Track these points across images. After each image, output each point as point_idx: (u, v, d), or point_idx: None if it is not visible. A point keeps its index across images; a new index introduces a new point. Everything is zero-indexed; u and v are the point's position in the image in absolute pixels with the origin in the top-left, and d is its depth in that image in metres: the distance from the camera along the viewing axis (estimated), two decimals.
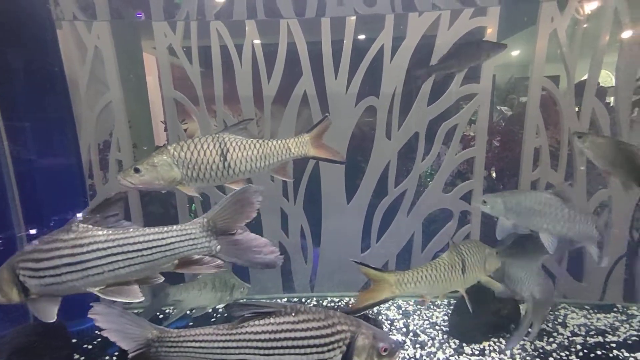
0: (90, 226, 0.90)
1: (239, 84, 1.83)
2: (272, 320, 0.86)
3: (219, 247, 0.93)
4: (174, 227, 0.92)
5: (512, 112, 2.52)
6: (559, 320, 1.80)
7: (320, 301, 2.02)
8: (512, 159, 2.06)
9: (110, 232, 0.90)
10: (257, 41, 1.79)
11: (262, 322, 0.86)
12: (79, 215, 0.92)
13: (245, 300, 1.93)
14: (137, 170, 1.12)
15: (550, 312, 1.83)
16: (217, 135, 1.19)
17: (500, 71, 1.79)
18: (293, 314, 0.86)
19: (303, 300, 2.05)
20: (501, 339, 1.62)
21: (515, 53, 2.53)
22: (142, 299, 0.91)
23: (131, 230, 0.91)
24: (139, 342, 0.87)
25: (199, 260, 0.96)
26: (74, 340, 1.59)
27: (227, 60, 1.82)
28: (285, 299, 2.05)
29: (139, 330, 0.87)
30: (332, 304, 1.97)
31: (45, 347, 1.39)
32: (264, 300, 1.10)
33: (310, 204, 2.04)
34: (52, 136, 1.75)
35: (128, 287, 0.92)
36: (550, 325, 1.74)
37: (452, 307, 1.78)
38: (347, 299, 2.03)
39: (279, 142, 1.26)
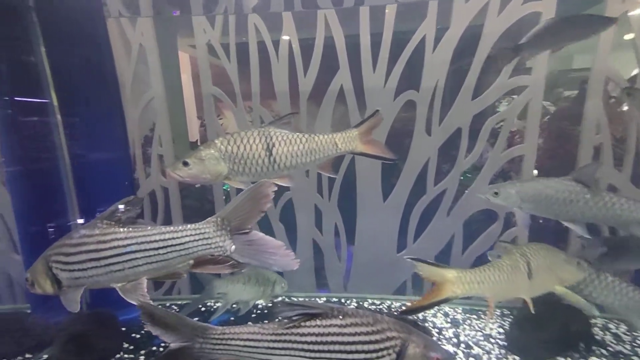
0: (114, 223, 0.92)
1: (275, 80, 1.82)
2: (319, 322, 0.83)
3: (233, 247, 0.92)
4: (189, 226, 0.92)
5: (555, 107, 2.32)
6: None
7: (360, 302, 1.97)
8: (562, 157, 1.89)
9: (131, 229, 0.92)
10: (290, 37, 1.77)
11: (309, 323, 0.84)
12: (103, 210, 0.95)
13: (284, 297, 1.97)
14: (185, 164, 1.15)
15: None
16: (263, 130, 1.19)
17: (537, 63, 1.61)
18: (341, 317, 0.83)
19: (343, 301, 2.01)
20: None
21: None
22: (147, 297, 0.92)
23: (149, 228, 0.93)
24: (183, 336, 0.87)
25: (214, 260, 0.95)
26: (123, 329, 1.66)
27: (264, 56, 1.81)
28: (324, 299, 2.02)
29: (183, 326, 0.88)
30: (374, 307, 1.91)
31: (99, 335, 1.47)
32: (308, 300, 1.09)
33: (345, 201, 2.00)
34: (106, 131, 1.84)
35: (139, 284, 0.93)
36: None
37: (506, 319, 1.65)
38: (388, 302, 1.96)
39: (326, 136, 1.23)
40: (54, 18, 1.58)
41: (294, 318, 0.84)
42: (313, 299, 2.03)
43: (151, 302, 0.90)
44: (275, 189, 0.94)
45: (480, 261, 1.66)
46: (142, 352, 1.54)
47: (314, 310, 0.84)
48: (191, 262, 0.95)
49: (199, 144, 2.63)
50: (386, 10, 1.68)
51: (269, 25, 1.77)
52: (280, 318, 0.86)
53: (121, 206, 0.94)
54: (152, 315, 0.86)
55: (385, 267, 2.00)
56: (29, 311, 1.81)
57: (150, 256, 0.91)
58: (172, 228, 0.92)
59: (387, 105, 1.79)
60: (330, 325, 0.82)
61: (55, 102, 1.66)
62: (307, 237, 2.02)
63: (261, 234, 0.95)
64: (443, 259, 2.01)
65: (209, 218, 0.93)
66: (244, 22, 1.78)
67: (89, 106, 1.75)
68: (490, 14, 1.61)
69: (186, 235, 0.91)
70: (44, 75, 1.63)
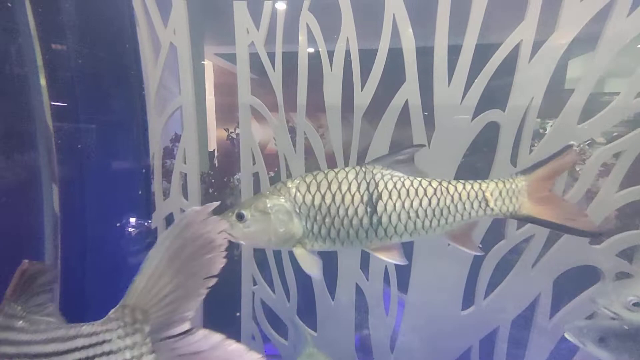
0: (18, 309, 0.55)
1: (326, 90, 1.51)
2: None
3: None
4: (84, 327, 0.50)
5: None
6: None
7: None
8: None
9: (25, 326, 0.54)
10: (348, 37, 1.46)
11: None
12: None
13: None
14: (240, 217, 0.80)
15: None
16: (364, 170, 0.82)
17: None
18: None
19: None
20: None
21: None
22: None
23: (40, 331, 0.53)
24: None
25: None
26: None
27: (313, 64, 1.51)
28: None
29: None
30: None
31: None
32: None
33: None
34: (125, 141, 1.63)
35: None
36: None
37: None
38: None
39: (469, 186, 0.83)
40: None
41: None
42: None
43: None
44: (223, 230, 0.50)
45: None
46: None
47: None
48: None
49: (216, 154, 2.34)
50: (471, 10, 1.35)
51: (323, 26, 1.48)
52: None
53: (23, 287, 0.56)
54: None
55: (446, 327, 1.59)
56: None
57: None
58: (61, 333, 0.51)
59: (463, 126, 1.44)
60: None
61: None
62: (350, 282, 1.64)
63: (216, 338, 0.51)
64: (522, 324, 1.59)
65: (111, 312, 0.51)
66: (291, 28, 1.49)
67: (106, 114, 1.53)
68: (617, 13, 1.25)
69: (79, 347, 0.49)
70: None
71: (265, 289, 1.68)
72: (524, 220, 0.85)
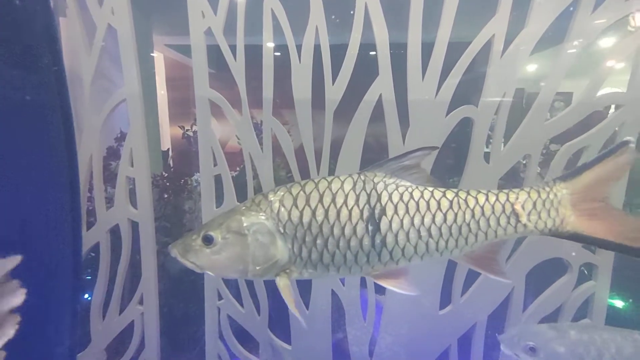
0: None
1: (295, 84, 1.38)
2: None
3: None
4: None
5: None
6: None
7: None
8: None
9: None
10: (317, 25, 1.35)
11: None
12: None
13: None
14: (208, 241, 0.62)
15: None
16: (362, 178, 0.66)
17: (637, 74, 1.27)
18: None
19: None
20: None
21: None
22: None
23: None
24: None
25: None
26: None
27: (281, 53, 1.38)
28: None
29: None
30: None
31: None
32: None
33: None
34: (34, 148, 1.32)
35: None
36: None
37: None
38: None
39: (491, 197, 0.68)
40: None
41: None
42: None
43: None
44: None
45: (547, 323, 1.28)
46: None
47: None
48: None
49: (170, 153, 2.12)
50: (443, 4, 1.30)
51: (290, 13, 1.36)
52: None
53: None
54: None
55: (424, 328, 1.55)
56: None
57: None
58: None
59: (437, 122, 1.40)
60: None
61: None
62: (325, 290, 1.54)
63: None
64: (498, 317, 1.59)
65: None
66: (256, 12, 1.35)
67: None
68: (582, 9, 1.26)
69: None
70: None
71: (232, 303, 1.52)
72: (570, 238, 0.68)
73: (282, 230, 0.62)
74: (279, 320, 1.54)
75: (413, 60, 1.36)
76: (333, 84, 1.39)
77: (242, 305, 1.53)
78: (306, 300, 1.56)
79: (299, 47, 1.36)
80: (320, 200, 0.62)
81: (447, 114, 1.39)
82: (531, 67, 2.02)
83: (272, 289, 1.58)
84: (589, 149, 1.36)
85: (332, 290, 1.55)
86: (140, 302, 1.47)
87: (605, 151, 0.68)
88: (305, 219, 0.62)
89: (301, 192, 0.64)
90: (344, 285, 1.55)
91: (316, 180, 0.66)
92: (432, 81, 1.37)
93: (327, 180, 0.65)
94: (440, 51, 1.35)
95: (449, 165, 1.81)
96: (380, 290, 1.58)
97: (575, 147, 1.37)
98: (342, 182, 0.64)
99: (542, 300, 1.51)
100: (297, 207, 0.62)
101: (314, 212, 0.60)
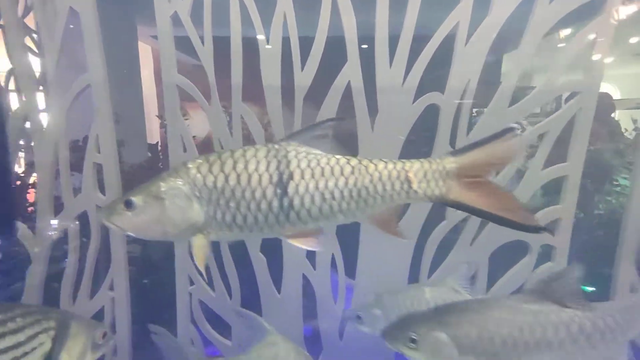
0: None
1: (263, 70, 1.39)
2: None
3: None
4: None
5: None
6: None
7: None
8: None
9: None
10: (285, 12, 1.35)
11: None
12: None
13: None
14: (129, 205, 0.66)
15: None
16: (275, 148, 0.72)
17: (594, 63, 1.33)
18: None
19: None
20: None
21: None
22: None
23: None
24: None
25: None
26: None
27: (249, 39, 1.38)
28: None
29: None
30: None
31: None
32: None
33: (345, 227, 1.59)
34: None
35: None
36: None
37: None
38: None
39: (389, 165, 0.74)
40: None
41: None
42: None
43: None
44: None
45: None
46: None
47: None
48: None
49: (159, 147, 2.11)
50: None
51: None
52: None
53: None
54: None
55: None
56: None
57: None
58: None
59: (404, 109, 1.43)
60: None
61: None
62: (296, 273, 1.58)
63: None
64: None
65: None
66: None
67: None
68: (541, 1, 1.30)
69: None
70: None
71: (203, 288, 1.54)
72: (453, 206, 0.76)
73: (198, 194, 0.67)
74: (250, 304, 1.57)
75: (380, 47, 1.38)
76: (302, 70, 1.40)
77: (213, 289, 1.55)
78: (278, 284, 1.60)
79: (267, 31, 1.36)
80: (234, 167, 0.67)
81: (414, 101, 1.43)
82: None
83: (244, 275, 1.61)
84: (548, 134, 1.42)
85: (303, 274, 1.59)
86: (111, 288, 1.48)
87: (493, 134, 0.74)
88: (219, 184, 0.66)
89: (217, 160, 0.69)
90: (315, 269, 1.59)
91: (233, 150, 0.70)
92: (399, 68, 1.39)
93: (243, 149, 0.69)
94: (406, 38, 1.37)
95: (423, 153, 1.85)
96: (350, 274, 1.62)
97: (535, 133, 1.43)
98: (257, 151, 0.70)
99: (504, 280, 1.57)
100: (212, 173, 0.67)
101: (227, 177, 0.64)
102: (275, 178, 0.67)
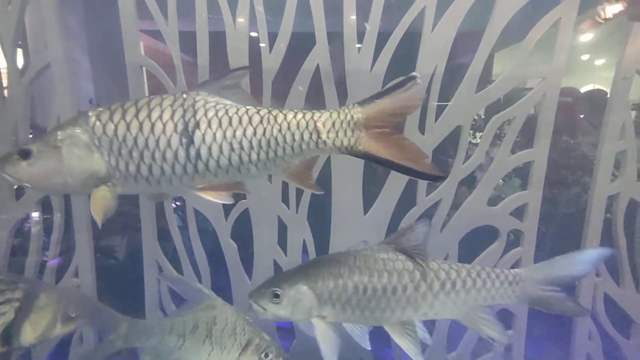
0: None
1: (230, 51, 1.37)
2: None
3: None
4: None
5: None
6: None
7: None
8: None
9: None
10: None
11: None
12: None
13: None
14: (24, 154, 0.63)
15: None
16: (183, 97, 0.69)
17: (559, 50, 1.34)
18: None
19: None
20: None
21: None
22: None
23: None
24: None
25: None
26: None
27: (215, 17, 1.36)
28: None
29: None
30: None
31: None
32: None
33: (317, 213, 1.59)
34: None
35: None
36: None
37: None
38: None
39: (300, 116, 0.72)
40: None
41: None
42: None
43: None
44: None
45: None
46: None
47: None
48: None
49: None
50: None
51: None
52: None
53: None
54: None
55: None
56: None
57: None
58: None
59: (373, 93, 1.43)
60: None
61: None
62: (267, 259, 1.57)
63: None
64: None
65: None
66: None
67: None
68: None
69: None
70: None
71: (172, 275, 1.52)
72: (363, 157, 0.75)
73: (97, 143, 0.65)
74: (222, 293, 1.56)
75: (349, 30, 1.37)
76: (270, 52, 1.39)
77: (182, 274, 1.53)
78: (249, 272, 1.59)
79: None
80: (136, 115, 0.64)
81: (382, 86, 1.43)
82: None
83: (214, 262, 1.59)
84: (514, 120, 1.44)
85: (275, 260, 1.58)
86: (76, 275, 1.45)
87: (396, 83, 0.74)
88: (120, 132, 0.64)
89: (119, 108, 0.67)
90: (286, 255, 1.58)
91: (139, 98, 0.68)
92: (368, 52, 1.39)
93: (149, 98, 0.68)
94: (375, 20, 1.37)
95: None
96: None
97: (501, 119, 1.44)
98: (162, 100, 0.68)
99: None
100: (112, 121, 0.65)
101: (128, 126, 0.63)
102: (180, 127, 0.65)
